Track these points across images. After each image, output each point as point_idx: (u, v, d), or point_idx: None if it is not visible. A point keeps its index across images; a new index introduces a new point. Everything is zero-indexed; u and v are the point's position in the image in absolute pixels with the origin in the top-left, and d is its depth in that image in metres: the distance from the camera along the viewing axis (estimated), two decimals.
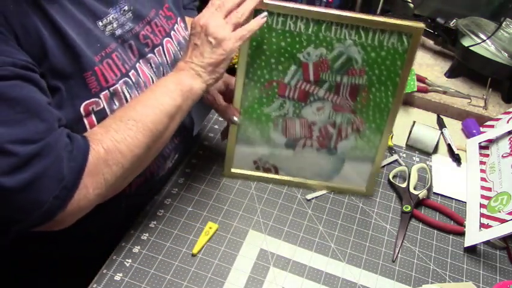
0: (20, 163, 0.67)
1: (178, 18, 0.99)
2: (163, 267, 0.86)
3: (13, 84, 0.68)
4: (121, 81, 0.82)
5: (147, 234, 0.90)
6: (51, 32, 0.73)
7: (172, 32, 0.95)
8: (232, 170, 1.01)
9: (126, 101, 0.83)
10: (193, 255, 0.88)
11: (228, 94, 0.97)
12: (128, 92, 0.83)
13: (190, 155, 1.07)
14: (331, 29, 0.86)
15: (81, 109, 0.77)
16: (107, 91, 0.80)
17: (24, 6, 0.70)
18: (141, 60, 0.88)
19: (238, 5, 0.82)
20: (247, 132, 0.97)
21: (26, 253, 0.93)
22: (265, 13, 0.84)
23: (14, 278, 0.96)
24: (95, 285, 0.82)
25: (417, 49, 0.88)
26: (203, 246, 0.89)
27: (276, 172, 1.02)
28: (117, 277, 0.83)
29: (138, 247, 0.88)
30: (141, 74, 0.86)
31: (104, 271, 0.84)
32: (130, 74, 0.84)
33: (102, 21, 0.81)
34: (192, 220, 0.94)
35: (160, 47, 0.92)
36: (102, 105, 0.79)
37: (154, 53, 0.90)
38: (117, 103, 0.81)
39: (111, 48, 0.82)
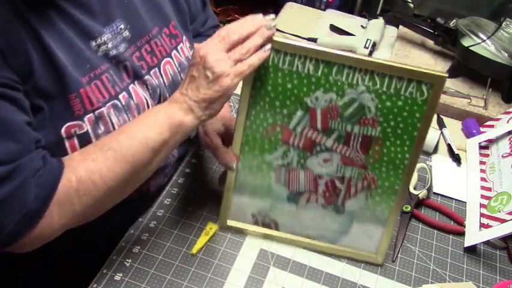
0: None
1: (184, 37, 0.96)
2: (163, 267, 0.86)
3: None
4: (108, 104, 0.80)
5: (147, 234, 0.90)
6: (38, 51, 0.71)
7: (173, 52, 0.92)
8: (228, 223, 0.92)
9: (113, 125, 0.80)
10: (193, 255, 0.88)
11: (227, 137, 0.90)
12: (116, 115, 0.81)
13: (190, 155, 1.07)
14: (342, 72, 0.78)
15: (63, 131, 0.75)
16: (91, 114, 0.77)
17: (13, 23, 0.69)
18: (136, 82, 0.85)
19: (244, 40, 0.75)
20: (247, 181, 0.88)
21: (25, 253, 0.93)
22: (269, 45, 0.77)
23: (14, 278, 0.96)
24: (95, 285, 0.82)
25: (438, 101, 0.78)
26: (203, 246, 0.89)
27: (277, 228, 0.92)
28: (117, 277, 0.83)
29: (138, 247, 0.88)
30: (134, 96, 0.84)
31: (104, 271, 0.84)
32: (120, 96, 0.81)
33: (95, 41, 0.79)
34: (192, 220, 0.94)
35: (157, 69, 0.89)
36: (85, 129, 0.77)
37: (150, 75, 0.87)
38: (102, 127, 0.79)
39: (101, 69, 0.79)
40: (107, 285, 0.82)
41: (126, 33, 0.84)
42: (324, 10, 1.66)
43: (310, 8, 1.69)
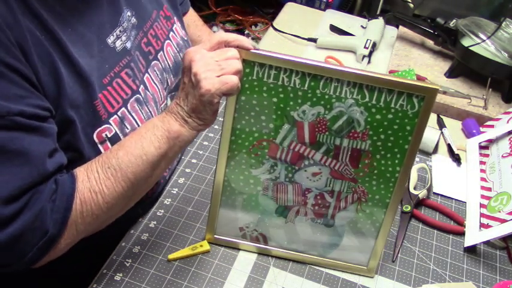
0: (7, 219, 0.66)
1: (175, 18, 0.97)
2: (163, 267, 0.86)
3: (13, 136, 0.66)
4: (132, 100, 0.80)
5: (147, 234, 0.90)
6: (62, 59, 0.71)
7: (171, 34, 0.93)
8: (216, 236, 0.90)
9: (136, 121, 0.81)
10: (168, 261, 0.87)
11: None
12: (139, 109, 0.81)
13: (190, 155, 1.07)
14: (330, 85, 0.75)
15: (95, 137, 0.76)
16: (115, 116, 0.78)
17: (37, 36, 0.68)
18: (148, 70, 0.85)
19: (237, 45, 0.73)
20: (234, 195, 0.86)
21: None
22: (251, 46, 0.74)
23: (14, 278, 0.96)
24: (95, 285, 0.82)
25: (430, 113, 0.76)
26: (181, 258, 0.87)
27: (265, 242, 0.90)
28: (117, 277, 0.83)
29: (138, 247, 0.88)
30: (149, 87, 0.84)
31: (104, 271, 0.84)
32: (140, 90, 0.82)
33: (110, 38, 0.79)
34: (192, 220, 0.94)
35: (162, 52, 0.89)
36: (114, 131, 0.78)
37: (157, 59, 0.87)
38: (128, 126, 0.80)
39: (120, 66, 0.80)
40: (107, 285, 0.82)
41: (134, 20, 0.84)
42: (324, 10, 1.66)
43: (310, 8, 1.70)
